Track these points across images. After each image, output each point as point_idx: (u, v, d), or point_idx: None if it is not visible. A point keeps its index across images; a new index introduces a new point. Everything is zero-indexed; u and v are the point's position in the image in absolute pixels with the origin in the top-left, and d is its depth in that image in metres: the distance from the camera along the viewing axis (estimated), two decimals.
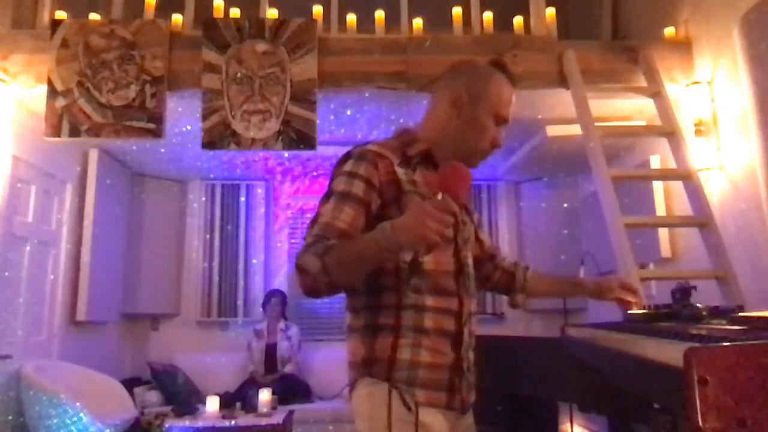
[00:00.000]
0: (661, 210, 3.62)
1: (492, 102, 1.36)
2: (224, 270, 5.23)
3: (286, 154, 4.59)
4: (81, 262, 4.17)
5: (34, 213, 3.71)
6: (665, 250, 3.57)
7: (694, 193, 3.00)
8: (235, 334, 5.19)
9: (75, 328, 4.14)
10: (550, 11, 3.52)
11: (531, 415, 3.60)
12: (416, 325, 1.25)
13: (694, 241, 3.13)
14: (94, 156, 4.29)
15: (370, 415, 1.24)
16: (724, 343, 0.81)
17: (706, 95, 3.18)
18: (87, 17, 3.34)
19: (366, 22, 3.51)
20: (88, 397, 3.44)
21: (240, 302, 5.18)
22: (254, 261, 5.29)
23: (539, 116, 3.71)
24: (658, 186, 3.66)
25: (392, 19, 3.50)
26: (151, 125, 3.21)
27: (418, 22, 3.46)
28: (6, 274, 3.38)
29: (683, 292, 1.54)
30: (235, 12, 3.46)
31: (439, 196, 1.08)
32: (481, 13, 3.54)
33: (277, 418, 3.71)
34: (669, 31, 3.49)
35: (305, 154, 4.41)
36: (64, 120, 3.16)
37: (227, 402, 3.97)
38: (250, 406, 3.93)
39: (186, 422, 3.68)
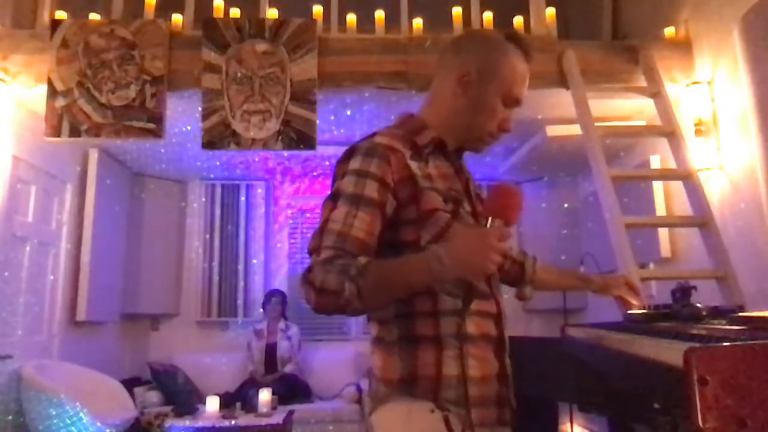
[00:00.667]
0: (661, 210, 3.62)
1: (504, 80, 1.19)
2: (224, 270, 5.23)
3: (286, 154, 4.59)
4: (81, 262, 4.17)
5: (34, 213, 3.71)
6: (665, 250, 3.57)
7: (694, 193, 3.00)
8: (235, 334, 5.19)
9: (75, 328, 4.14)
10: (550, 11, 3.52)
11: (531, 415, 3.61)
12: (459, 332, 1.10)
13: (694, 241, 3.13)
14: (94, 156, 4.29)
15: None
16: (724, 343, 0.82)
17: (706, 95, 3.18)
18: (87, 17, 3.34)
19: (366, 22, 3.51)
20: (88, 397, 3.44)
21: (240, 302, 5.18)
22: (254, 261, 5.29)
23: (539, 116, 3.72)
24: (658, 186, 3.66)
25: (392, 19, 3.50)
26: (151, 125, 3.21)
27: (418, 22, 3.46)
28: (6, 274, 3.38)
29: (683, 292, 1.54)
30: (235, 12, 3.46)
31: (491, 222, 1.03)
32: (481, 13, 3.55)
33: (277, 418, 3.71)
34: (669, 31, 3.49)
35: (305, 154, 4.42)
36: (64, 120, 3.16)
37: (227, 402, 3.97)
38: (250, 406, 3.93)
39: (186, 422, 3.68)
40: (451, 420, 1.06)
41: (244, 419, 3.71)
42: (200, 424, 3.63)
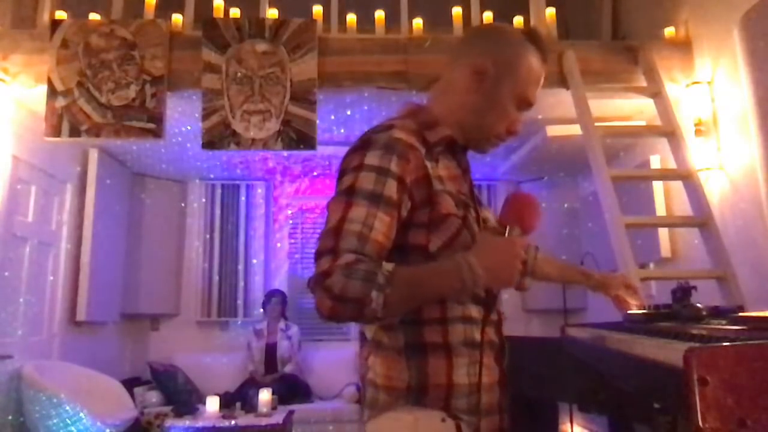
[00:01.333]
0: (661, 210, 3.62)
1: (520, 78, 1.14)
2: (224, 270, 5.23)
3: (285, 154, 4.59)
4: (81, 262, 4.17)
5: (34, 213, 3.71)
6: (665, 250, 3.57)
7: (694, 193, 3.00)
8: (235, 334, 5.19)
9: (75, 328, 4.14)
10: (550, 11, 3.52)
11: (531, 415, 3.60)
12: (468, 339, 1.07)
13: (694, 241, 3.13)
14: (94, 156, 4.29)
15: None
16: (724, 343, 0.82)
17: (706, 95, 3.18)
18: (87, 17, 3.34)
19: (366, 22, 3.51)
20: (88, 397, 3.44)
21: (240, 302, 5.18)
22: (254, 261, 5.29)
23: (539, 116, 3.72)
24: (658, 186, 3.66)
25: (392, 19, 3.50)
26: (151, 125, 3.20)
27: (418, 22, 3.46)
28: (6, 274, 3.38)
29: (683, 292, 1.54)
30: (235, 12, 3.46)
31: (509, 231, 1.03)
32: (481, 13, 3.55)
33: (277, 418, 3.71)
34: (669, 31, 3.49)
35: (305, 154, 4.42)
36: (64, 120, 3.16)
37: (227, 402, 3.97)
38: (250, 406, 3.93)
39: (186, 422, 3.67)
40: (462, 428, 1.04)
41: (244, 419, 3.71)
42: (200, 424, 3.63)
